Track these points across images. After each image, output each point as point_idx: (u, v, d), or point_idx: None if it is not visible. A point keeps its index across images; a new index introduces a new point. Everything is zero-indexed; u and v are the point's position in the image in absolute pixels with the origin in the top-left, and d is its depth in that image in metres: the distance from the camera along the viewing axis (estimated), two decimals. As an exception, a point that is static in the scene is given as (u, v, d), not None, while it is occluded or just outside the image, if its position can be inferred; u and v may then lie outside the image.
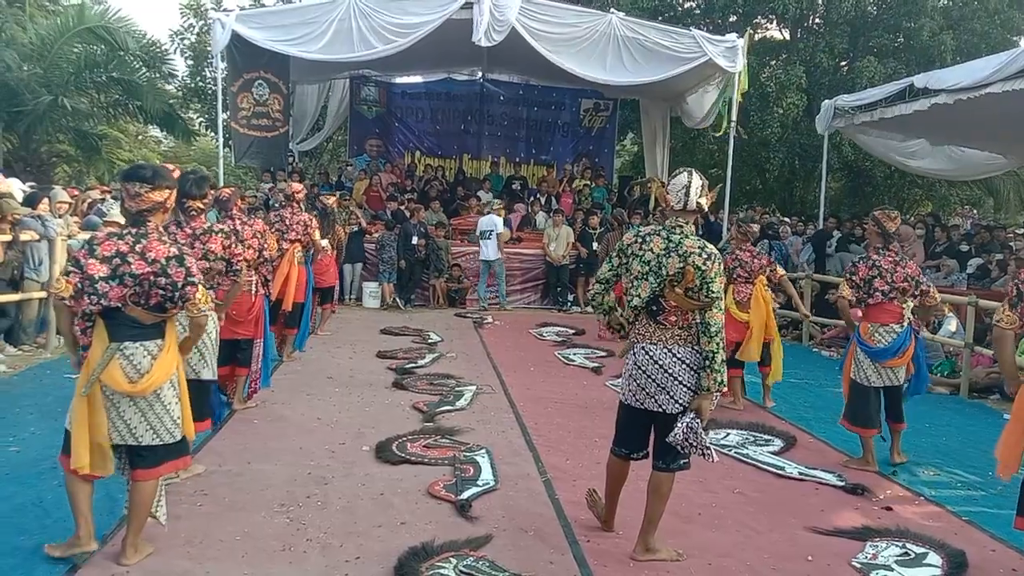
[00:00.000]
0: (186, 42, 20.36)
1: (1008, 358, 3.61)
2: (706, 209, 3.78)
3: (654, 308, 3.62)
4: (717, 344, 3.52)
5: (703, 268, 3.51)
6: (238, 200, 6.11)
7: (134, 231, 3.36)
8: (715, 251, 3.60)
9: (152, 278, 3.30)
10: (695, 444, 3.55)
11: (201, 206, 4.63)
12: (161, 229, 3.49)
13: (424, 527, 3.93)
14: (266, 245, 5.86)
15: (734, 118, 13.53)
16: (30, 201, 8.68)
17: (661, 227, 3.68)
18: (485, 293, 13.13)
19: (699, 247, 3.56)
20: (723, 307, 3.62)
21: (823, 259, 12.57)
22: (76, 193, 11.51)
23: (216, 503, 4.16)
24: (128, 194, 3.37)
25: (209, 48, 16.16)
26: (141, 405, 3.35)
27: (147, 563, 3.44)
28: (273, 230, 7.05)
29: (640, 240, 3.67)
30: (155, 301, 3.35)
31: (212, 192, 4.84)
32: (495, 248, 12.95)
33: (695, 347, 3.59)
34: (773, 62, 18.31)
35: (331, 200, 10.32)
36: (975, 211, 22.19)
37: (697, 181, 3.64)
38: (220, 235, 4.70)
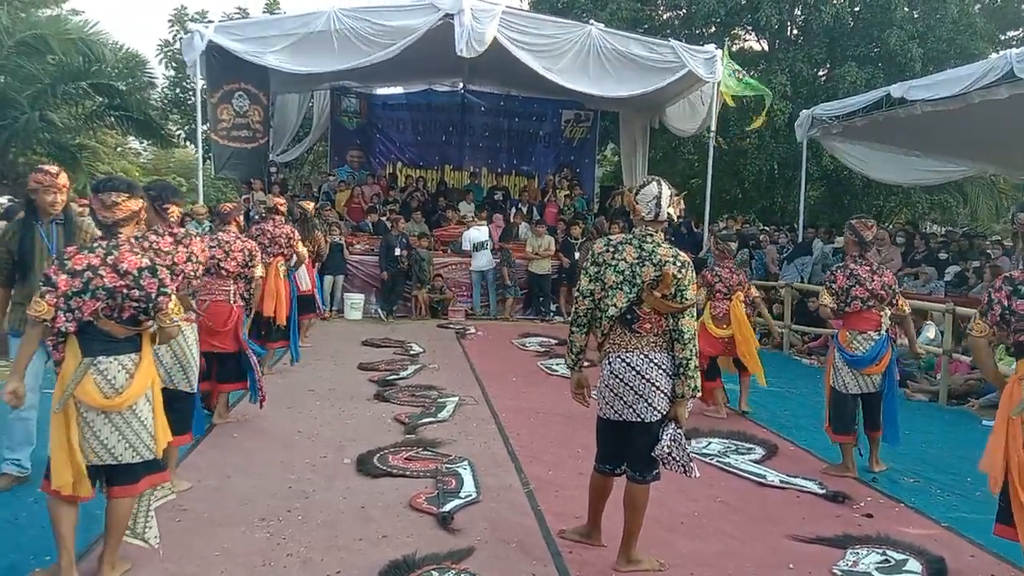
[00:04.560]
0: (170, 53, 20.24)
1: (987, 364, 3.64)
2: (675, 219, 3.79)
3: (628, 317, 3.62)
4: (691, 350, 3.55)
5: (678, 276, 3.53)
6: (238, 216, 6.31)
7: (105, 243, 3.30)
8: (687, 259, 3.63)
9: (125, 291, 3.25)
10: (678, 458, 3.58)
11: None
12: (132, 240, 3.44)
13: (406, 540, 3.90)
14: (252, 263, 5.82)
15: (713, 128, 13.63)
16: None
17: (632, 236, 3.68)
18: (480, 303, 13.27)
19: (672, 255, 3.59)
20: (695, 314, 3.64)
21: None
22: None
23: (195, 518, 4.11)
24: (103, 205, 3.30)
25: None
26: (117, 422, 3.28)
27: (124, 580, 3.39)
28: (256, 243, 7.02)
29: (612, 249, 3.66)
30: (128, 314, 3.29)
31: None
32: (489, 259, 13.11)
33: (670, 353, 3.61)
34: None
35: (308, 206, 10.29)
36: (935, 222, 22.50)
37: (667, 191, 3.65)
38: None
